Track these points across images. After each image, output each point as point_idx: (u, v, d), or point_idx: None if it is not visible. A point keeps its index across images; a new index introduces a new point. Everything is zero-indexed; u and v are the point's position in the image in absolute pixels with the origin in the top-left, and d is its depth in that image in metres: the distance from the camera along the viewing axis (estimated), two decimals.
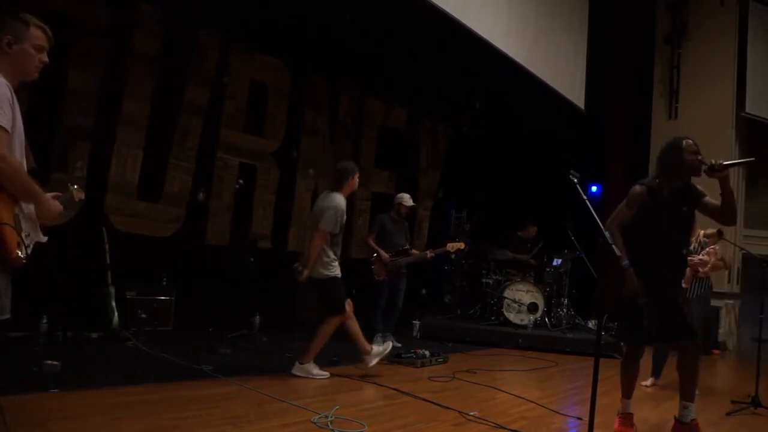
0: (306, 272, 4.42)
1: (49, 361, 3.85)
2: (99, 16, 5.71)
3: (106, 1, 5.78)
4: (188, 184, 6.62)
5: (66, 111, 5.54)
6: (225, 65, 6.92)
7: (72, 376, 3.72)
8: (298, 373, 4.41)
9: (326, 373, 4.49)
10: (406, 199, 6.53)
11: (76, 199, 2.55)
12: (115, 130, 5.94)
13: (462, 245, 6.49)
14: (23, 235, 2.11)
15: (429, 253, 6.40)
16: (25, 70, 2.17)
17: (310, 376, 4.41)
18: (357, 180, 4.70)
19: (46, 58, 2.22)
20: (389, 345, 4.94)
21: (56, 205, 2.26)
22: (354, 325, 4.58)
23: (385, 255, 6.27)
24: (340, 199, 4.50)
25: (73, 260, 5.31)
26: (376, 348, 4.75)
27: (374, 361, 4.65)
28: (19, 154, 2.10)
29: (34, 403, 3.12)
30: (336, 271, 4.51)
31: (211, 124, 6.81)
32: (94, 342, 5.01)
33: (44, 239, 2.28)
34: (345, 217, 4.51)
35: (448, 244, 6.39)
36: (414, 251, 6.48)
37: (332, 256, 4.50)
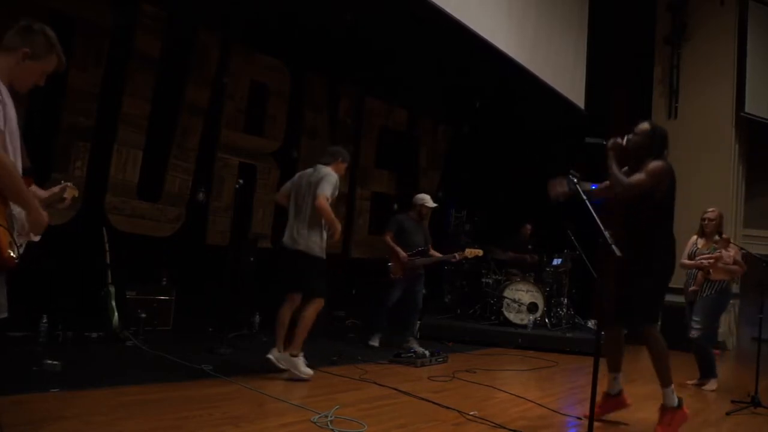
0: (337, 234, 4.41)
1: (49, 361, 3.85)
2: (99, 16, 5.72)
3: (107, 1, 5.79)
4: (188, 184, 6.62)
5: (66, 111, 5.54)
6: (225, 65, 6.92)
7: (72, 376, 3.72)
8: (285, 365, 4.22)
9: (311, 372, 4.31)
10: (428, 200, 6.35)
11: (69, 197, 2.54)
12: (115, 130, 5.94)
13: (480, 252, 6.35)
14: (15, 234, 2.10)
15: (458, 255, 6.23)
16: (22, 83, 2.19)
17: (296, 372, 4.21)
18: (344, 167, 4.65)
19: (43, 83, 2.25)
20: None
21: (44, 216, 2.21)
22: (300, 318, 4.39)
23: (402, 254, 6.12)
24: (333, 172, 4.47)
25: (73, 260, 5.32)
26: (302, 366, 4.29)
27: (287, 365, 4.24)
28: (12, 154, 2.09)
29: (34, 403, 3.11)
30: (324, 252, 4.45)
31: (211, 124, 6.82)
32: (94, 342, 5.00)
33: (36, 239, 2.26)
34: (337, 192, 4.45)
35: (467, 250, 6.24)
36: (435, 253, 6.32)
37: (325, 237, 4.45)
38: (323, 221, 4.40)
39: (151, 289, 5.84)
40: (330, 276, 4.48)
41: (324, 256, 4.46)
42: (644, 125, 3.67)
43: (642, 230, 3.50)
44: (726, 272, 5.18)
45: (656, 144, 3.58)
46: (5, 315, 2.12)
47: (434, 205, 6.42)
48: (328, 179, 4.39)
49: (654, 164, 3.46)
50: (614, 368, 3.84)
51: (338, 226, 4.42)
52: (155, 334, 5.51)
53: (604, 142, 3.60)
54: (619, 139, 3.62)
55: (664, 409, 3.54)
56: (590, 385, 2.76)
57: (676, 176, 3.56)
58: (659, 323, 3.62)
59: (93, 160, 5.76)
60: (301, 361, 4.30)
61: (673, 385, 3.54)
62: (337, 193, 4.46)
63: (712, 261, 5.11)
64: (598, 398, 3.73)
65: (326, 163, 4.58)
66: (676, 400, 3.53)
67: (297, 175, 4.75)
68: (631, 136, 3.65)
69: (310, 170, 4.61)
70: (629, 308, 3.54)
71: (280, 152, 7.61)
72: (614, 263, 3.47)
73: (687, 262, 5.27)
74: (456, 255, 6.27)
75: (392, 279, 6.18)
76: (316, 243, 4.39)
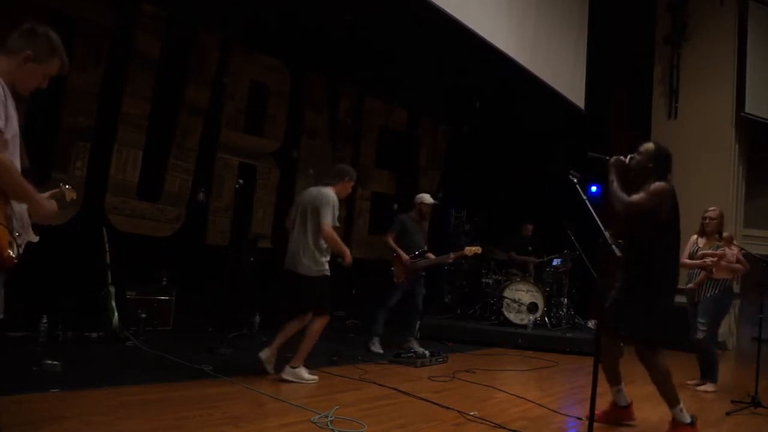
0: (348, 257, 4.38)
1: (49, 361, 3.85)
2: (99, 16, 5.73)
3: (107, 1, 5.79)
4: (188, 184, 6.63)
5: (66, 111, 5.55)
6: (225, 65, 6.93)
7: (72, 376, 3.72)
8: (289, 377, 4.23)
9: (315, 377, 4.34)
10: (426, 197, 6.30)
11: (68, 199, 2.54)
12: (115, 130, 5.94)
13: (479, 249, 6.33)
14: (15, 234, 2.10)
15: (452, 256, 6.21)
16: (24, 85, 2.19)
17: (301, 381, 4.24)
18: (350, 186, 4.62)
19: (45, 86, 2.25)
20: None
21: (50, 204, 2.22)
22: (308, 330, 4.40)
23: (405, 256, 6.03)
24: (332, 193, 4.41)
25: (73, 260, 5.32)
26: (305, 374, 4.33)
27: (291, 378, 4.25)
28: (13, 153, 2.09)
29: (34, 403, 3.12)
30: (327, 269, 4.40)
31: (211, 124, 6.82)
32: (94, 342, 5.01)
33: (36, 239, 2.26)
34: (338, 212, 4.40)
35: (466, 248, 6.21)
36: (430, 255, 6.20)
37: (325, 253, 4.40)
38: (322, 241, 4.36)
39: (151, 289, 5.84)
40: (330, 275, 4.46)
41: (327, 273, 4.39)
42: (648, 145, 3.62)
43: (643, 248, 3.44)
44: (729, 270, 5.17)
45: (659, 165, 3.52)
46: (1, 316, 2.12)
47: (433, 201, 6.36)
48: (327, 203, 4.32)
49: (656, 185, 3.41)
50: (614, 382, 3.74)
51: (347, 252, 4.39)
52: (155, 334, 5.51)
53: (607, 158, 3.54)
54: (621, 157, 3.57)
55: (675, 423, 3.45)
56: (590, 385, 2.76)
57: (677, 197, 3.49)
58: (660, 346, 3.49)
59: (93, 160, 5.76)
60: (303, 370, 4.31)
61: (681, 404, 3.46)
62: (338, 213, 4.39)
63: (715, 259, 5.09)
64: (606, 406, 3.75)
65: (330, 183, 4.50)
66: (689, 417, 3.44)
67: (299, 197, 4.68)
68: (634, 155, 3.60)
69: (312, 190, 4.51)
70: (627, 329, 3.48)
71: (280, 152, 7.62)
72: (614, 277, 3.50)
73: (688, 261, 5.24)
74: (451, 255, 6.24)
75: (395, 282, 6.08)
76: (316, 263, 4.33)
